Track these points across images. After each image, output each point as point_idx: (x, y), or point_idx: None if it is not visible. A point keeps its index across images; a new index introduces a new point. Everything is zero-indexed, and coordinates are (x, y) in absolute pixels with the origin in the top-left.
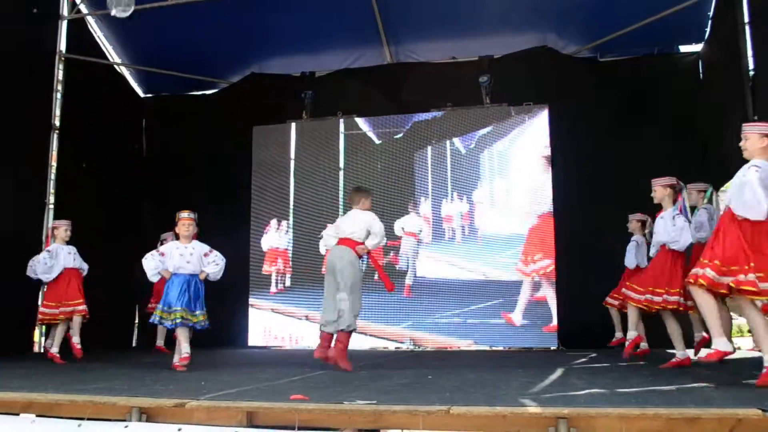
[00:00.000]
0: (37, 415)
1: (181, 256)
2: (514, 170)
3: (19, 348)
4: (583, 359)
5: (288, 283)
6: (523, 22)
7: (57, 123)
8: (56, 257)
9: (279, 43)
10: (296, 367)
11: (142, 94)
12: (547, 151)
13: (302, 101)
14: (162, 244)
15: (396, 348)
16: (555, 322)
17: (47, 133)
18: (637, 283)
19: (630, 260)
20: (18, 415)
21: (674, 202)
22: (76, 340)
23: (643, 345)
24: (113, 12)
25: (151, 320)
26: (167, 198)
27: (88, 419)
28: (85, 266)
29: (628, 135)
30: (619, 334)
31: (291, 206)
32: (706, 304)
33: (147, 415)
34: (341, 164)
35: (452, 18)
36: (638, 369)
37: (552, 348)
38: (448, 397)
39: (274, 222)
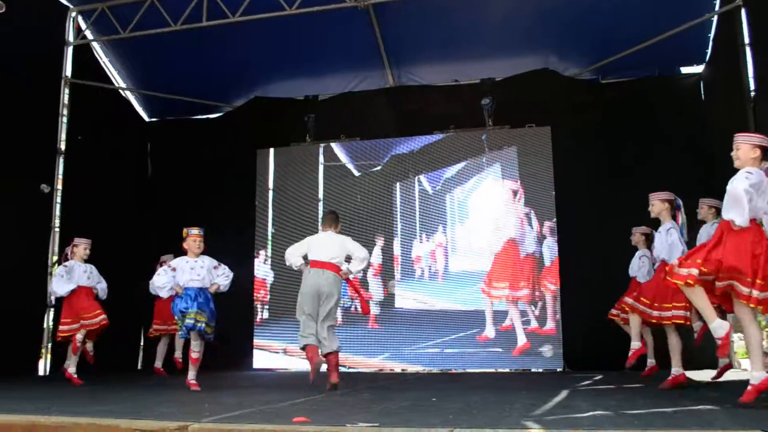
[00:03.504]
0: None
1: (191, 270)
2: (481, 207)
3: (24, 371)
4: (589, 381)
5: (266, 314)
6: (525, 45)
7: (63, 147)
8: (71, 273)
9: (282, 67)
10: (300, 390)
11: (147, 119)
12: (515, 184)
13: (305, 124)
14: (161, 265)
15: (402, 370)
16: (560, 342)
17: (53, 157)
18: (642, 294)
19: (634, 271)
20: None
21: (673, 217)
22: (89, 346)
23: (650, 361)
24: None
25: (181, 335)
26: (171, 221)
27: None
28: (103, 285)
29: (631, 155)
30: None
31: (269, 235)
32: (753, 332)
33: None
34: (320, 195)
35: (454, 41)
36: (643, 390)
37: (558, 370)
38: (451, 419)
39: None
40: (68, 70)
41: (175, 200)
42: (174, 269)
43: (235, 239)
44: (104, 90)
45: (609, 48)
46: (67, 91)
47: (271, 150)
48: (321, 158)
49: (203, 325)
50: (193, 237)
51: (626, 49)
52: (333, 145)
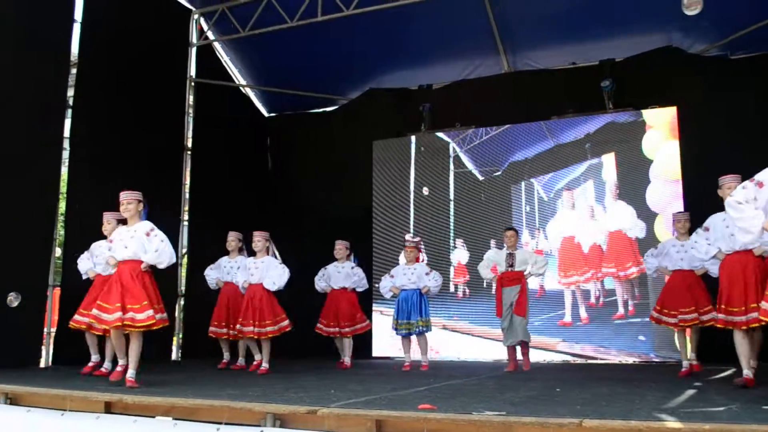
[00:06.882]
0: (176, 419)
1: (404, 275)
2: (590, 209)
3: (160, 356)
4: (721, 374)
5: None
6: (646, 22)
7: (189, 144)
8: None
9: (395, 57)
10: (422, 378)
11: (266, 114)
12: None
13: (420, 114)
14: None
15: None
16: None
17: (180, 153)
18: None
19: None
20: (154, 417)
21: None
22: (261, 358)
23: None
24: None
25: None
26: (292, 213)
27: (226, 424)
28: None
29: (765, 136)
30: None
31: (411, 225)
32: None
33: (281, 421)
34: (451, 196)
35: (570, 22)
36: None
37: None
38: (579, 410)
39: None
40: (192, 70)
41: (294, 192)
42: (392, 276)
43: (352, 228)
44: (225, 88)
45: (738, 21)
46: (191, 90)
47: (387, 141)
48: (451, 166)
49: (410, 331)
50: (407, 248)
51: (758, 21)
52: (459, 153)
